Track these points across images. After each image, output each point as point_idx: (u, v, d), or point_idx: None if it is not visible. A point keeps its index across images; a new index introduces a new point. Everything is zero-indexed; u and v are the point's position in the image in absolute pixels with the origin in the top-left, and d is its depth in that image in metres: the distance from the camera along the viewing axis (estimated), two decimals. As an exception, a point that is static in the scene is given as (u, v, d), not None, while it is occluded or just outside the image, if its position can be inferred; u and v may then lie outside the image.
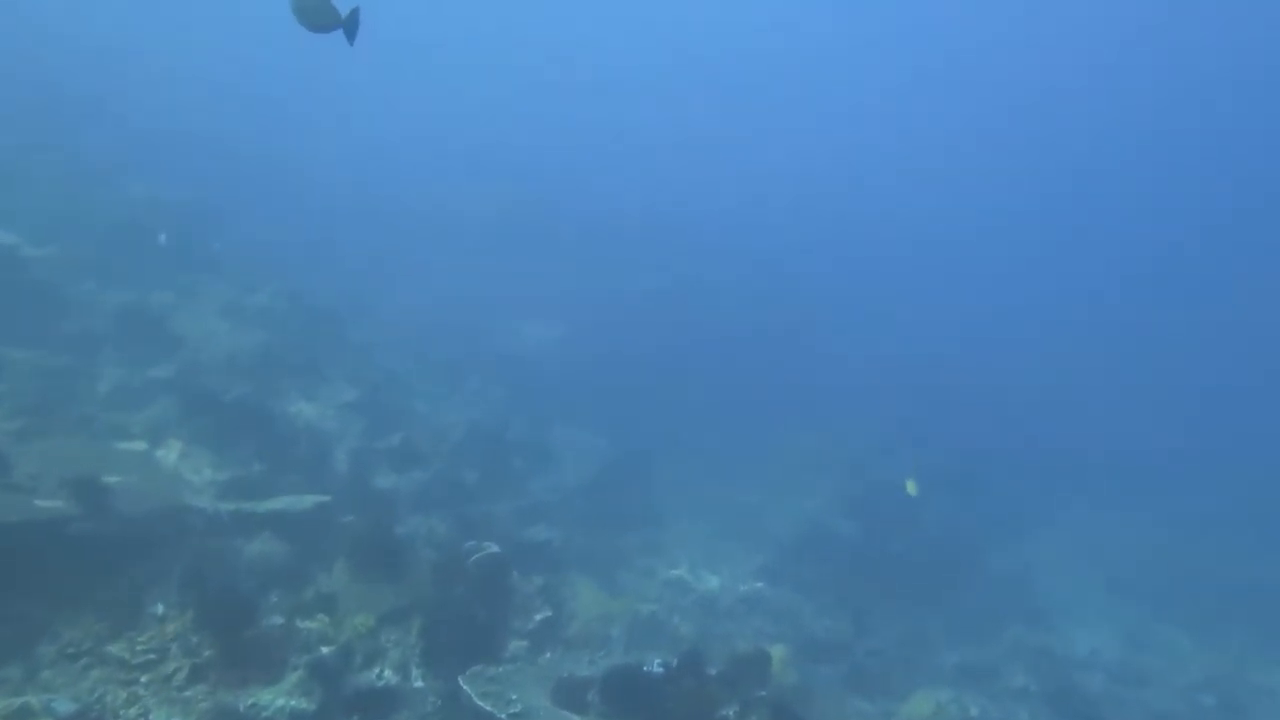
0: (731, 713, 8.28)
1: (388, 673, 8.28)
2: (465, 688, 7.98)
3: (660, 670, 8.51)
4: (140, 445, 11.09)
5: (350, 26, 6.78)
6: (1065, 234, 50.36)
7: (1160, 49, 47.00)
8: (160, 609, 8.11)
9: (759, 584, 16.20)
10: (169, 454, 11.05)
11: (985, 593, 18.15)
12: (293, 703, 7.47)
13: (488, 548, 9.91)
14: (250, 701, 7.39)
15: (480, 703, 7.80)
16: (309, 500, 10.76)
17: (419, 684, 8.34)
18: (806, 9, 55.11)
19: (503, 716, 7.68)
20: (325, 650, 8.21)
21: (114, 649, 7.62)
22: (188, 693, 7.43)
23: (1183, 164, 50.41)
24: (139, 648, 7.67)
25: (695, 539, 18.22)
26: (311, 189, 32.73)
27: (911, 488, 14.24)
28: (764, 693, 8.87)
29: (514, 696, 7.95)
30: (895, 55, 54.09)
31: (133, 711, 7.11)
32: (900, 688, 13.61)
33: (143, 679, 7.44)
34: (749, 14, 56.62)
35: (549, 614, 10.00)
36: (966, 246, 46.90)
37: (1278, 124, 46.49)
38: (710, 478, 21.92)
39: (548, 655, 9.51)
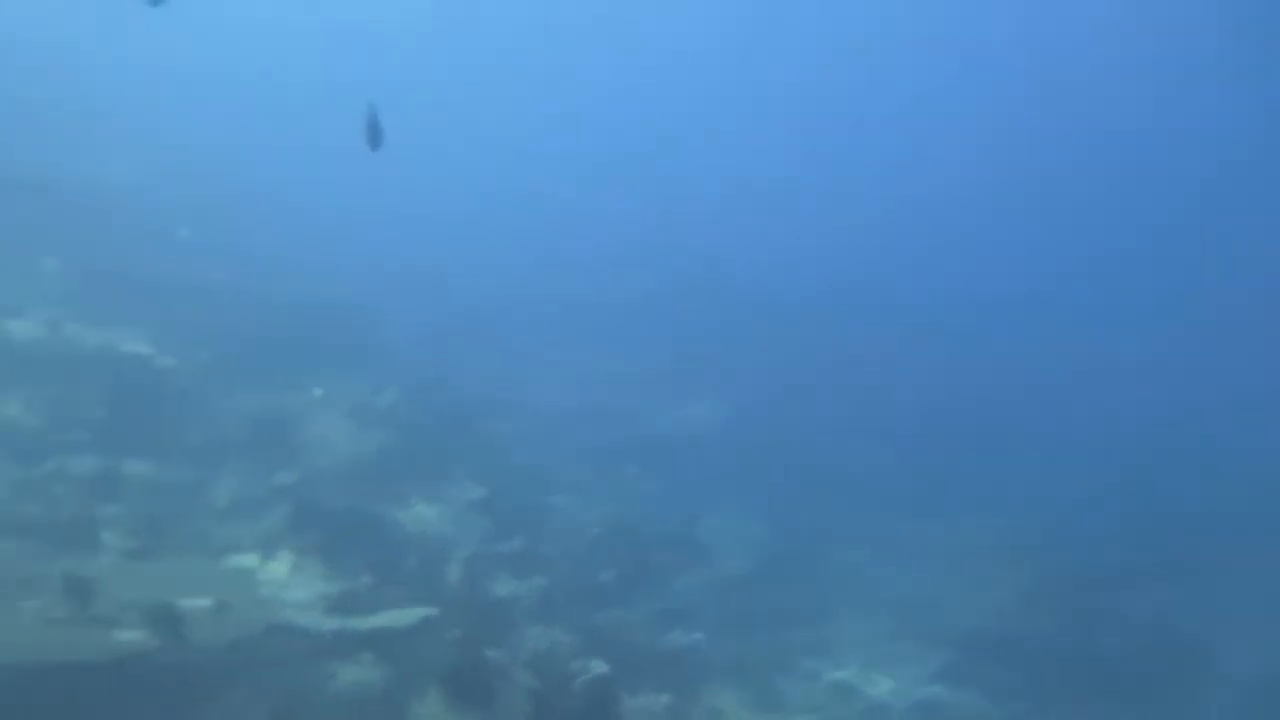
0: None
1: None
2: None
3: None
4: (252, 559, 10.72)
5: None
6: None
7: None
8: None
9: (937, 688, 14.41)
10: (280, 568, 10.60)
11: (1220, 698, 15.60)
12: None
13: (595, 669, 8.86)
14: None
15: None
16: (414, 615, 10.05)
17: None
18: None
19: None
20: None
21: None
22: None
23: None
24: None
25: (867, 637, 16.49)
26: (452, 281, 33.15)
27: None
28: None
29: None
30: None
31: None
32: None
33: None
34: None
35: (671, 741, 8.81)
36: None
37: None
38: (884, 567, 20.14)
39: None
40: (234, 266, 23.06)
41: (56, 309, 13.88)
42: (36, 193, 20.84)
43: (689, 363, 30.29)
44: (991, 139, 49.60)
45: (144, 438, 12.12)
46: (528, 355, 29.72)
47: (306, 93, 49.08)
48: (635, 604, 13.31)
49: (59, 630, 7.49)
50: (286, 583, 10.37)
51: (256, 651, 8.67)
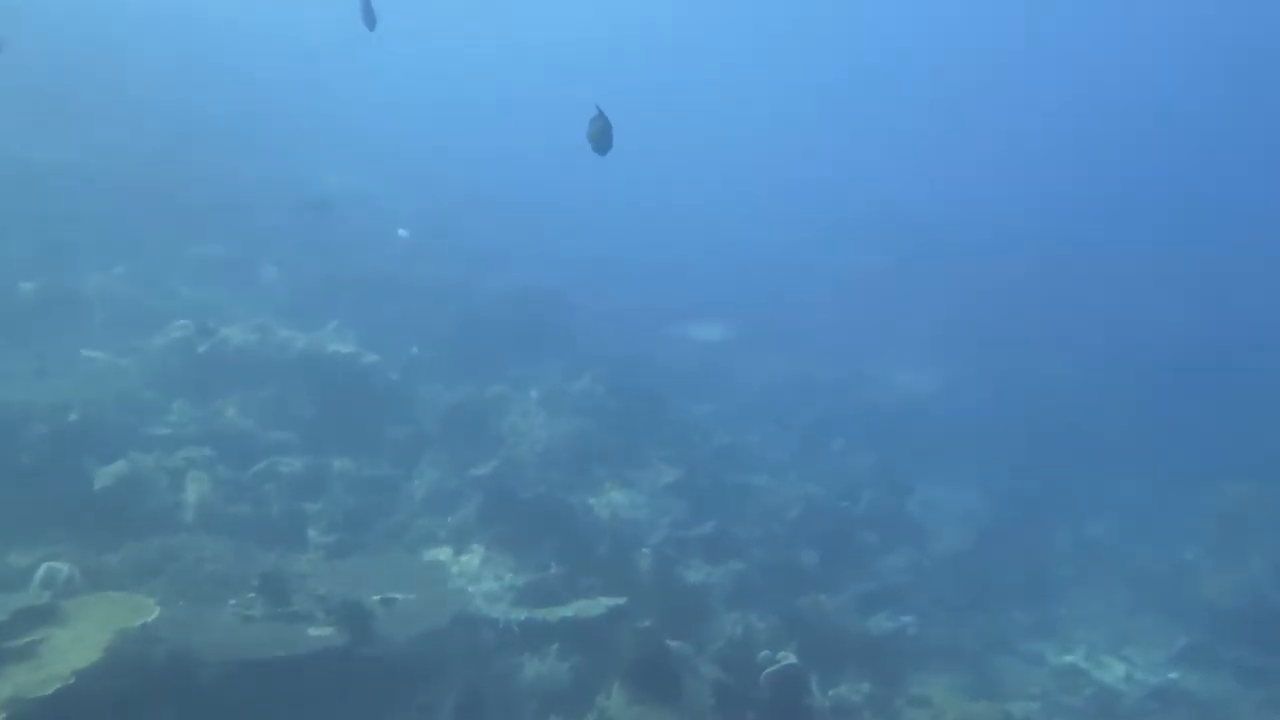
0: None
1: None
2: None
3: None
4: (445, 552, 10.95)
5: None
6: None
7: None
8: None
9: (1178, 672, 13.01)
10: (472, 560, 10.77)
11: None
12: None
13: (783, 659, 8.41)
14: None
15: None
16: (603, 605, 9.93)
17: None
18: None
19: None
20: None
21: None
22: None
23: None
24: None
25: (1101, 615, 15.11)
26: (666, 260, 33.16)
27: None
28: None
29: None
30: None
31: None
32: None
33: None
34: None
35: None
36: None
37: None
38: (1121, 538, 18.44)
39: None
40: (447, 263, 24.06)
41: (270, 314, 14.72)
42: (263, 202, 22.47)
43: (901, 330, 29.03)
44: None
45: (349, 436, 12.65)
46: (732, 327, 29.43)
47: (513, 105, 51.10)
48: (839, 587, 12.69)
49: (254, 628, 7.81)
50: (478, 575, 10.51)
51: (444, 645, 8.80)
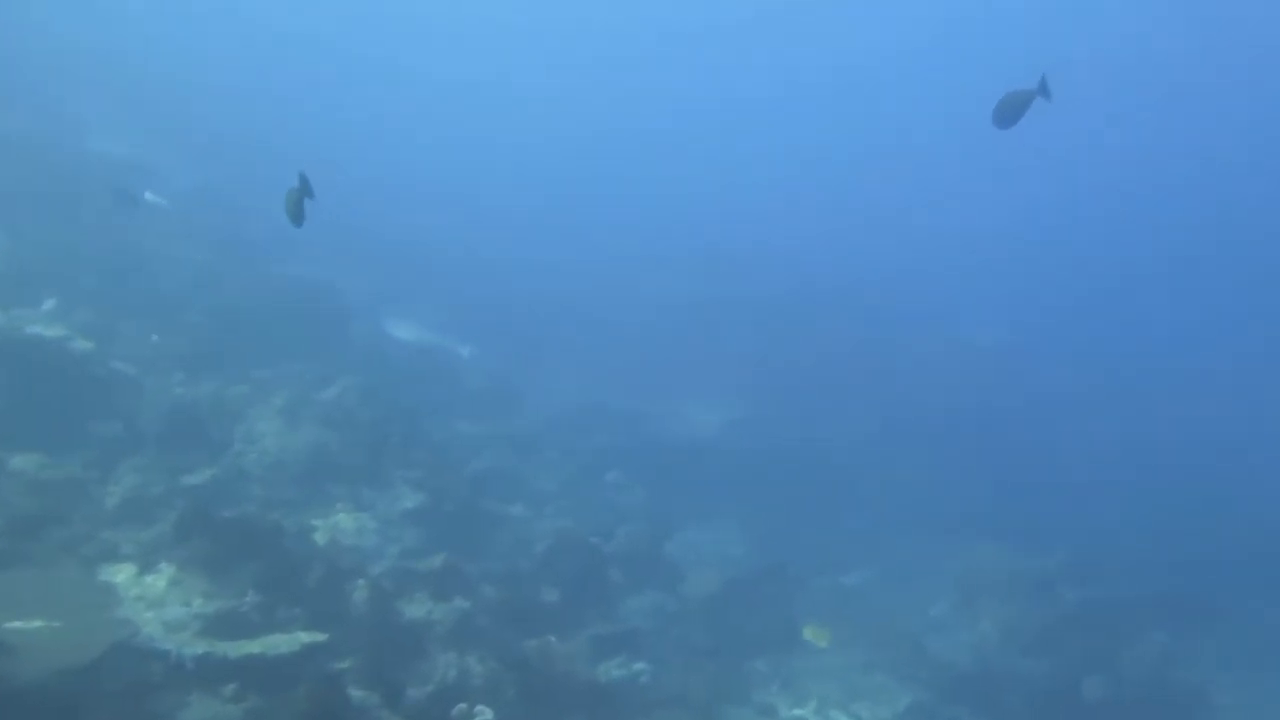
0: None
1: None
2: None
3: None
4: (127, 571, 9.72)
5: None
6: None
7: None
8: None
9: (896, 732, 13.21)
10: (158, 581, 9.58)
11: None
12: None
13: (479, 714, 7.76)
14: None
15: None
16: (299, 640, 9.01)
17: None
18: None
19: None
20: None
21: None
22: None
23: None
24: None
25: (837, 669, 15.25)
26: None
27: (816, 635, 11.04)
28: None
29: None
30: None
31: None
32: None
33: None
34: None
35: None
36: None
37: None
38: (876, 592, 18.80)
39: None
40: (216, 243, 22.22)
41: None
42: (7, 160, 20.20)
43: (706, 365, 28.99)
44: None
45: (40, 430, 11.17)
46: (533, 350, 28.67)
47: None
48: (574, 629, 12.15)
49: None
50: (162, 599, 9.34)
51: (96, 682, 7.68)
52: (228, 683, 8.25)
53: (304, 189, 6.92)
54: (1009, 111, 7.74)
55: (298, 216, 7.09)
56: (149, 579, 9.58)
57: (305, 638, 9.02)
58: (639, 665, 12.03)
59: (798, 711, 13.25)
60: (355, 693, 7.90)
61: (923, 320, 33.19)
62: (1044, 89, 7.54)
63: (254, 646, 8.77)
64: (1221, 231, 44.68)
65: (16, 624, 7.51)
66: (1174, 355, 34.48)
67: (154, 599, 9.31)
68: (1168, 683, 14.41)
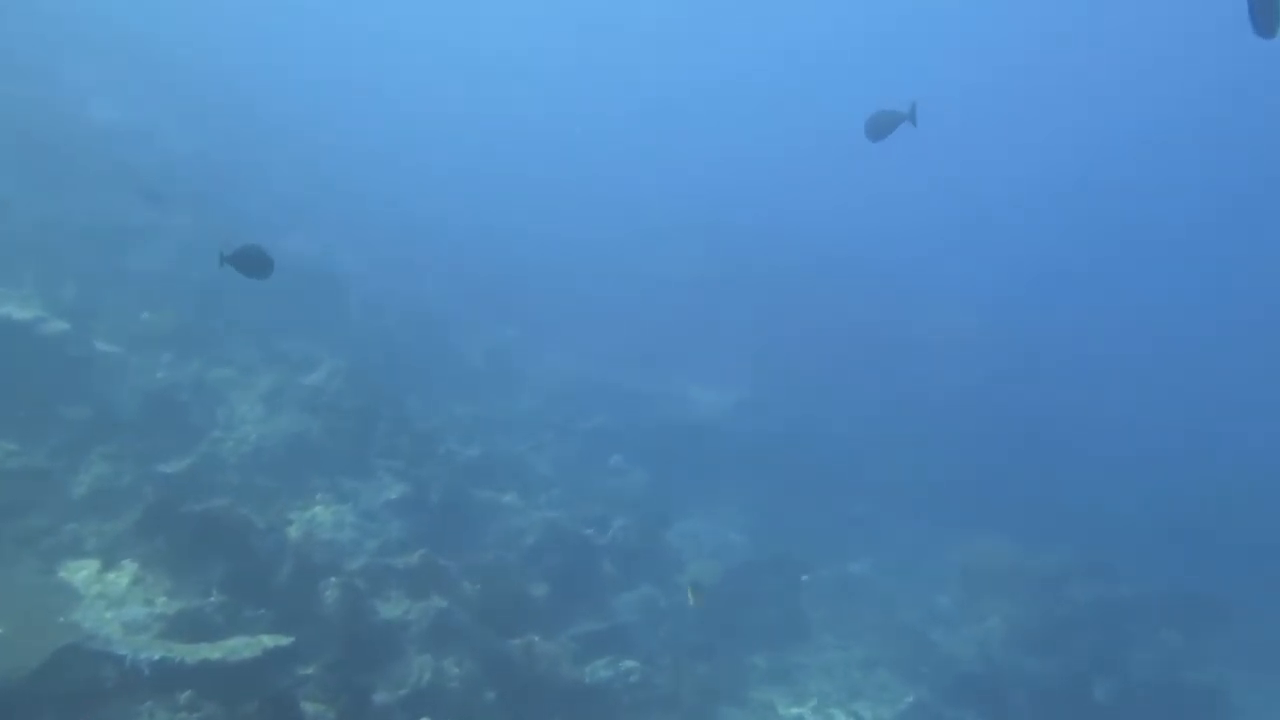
0: None
1: None
2: None
3: None
4: (90, 567, 9.32)
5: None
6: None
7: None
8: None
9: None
10: (120, 579, 9.18)
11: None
12: None
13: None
14: None
15: None
16: (263, 644, 8.58)
17: None
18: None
19: None
20: None
21: None
22: None
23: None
24: None
25: (840, 666, 14.81)
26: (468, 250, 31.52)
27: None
28: None
29: None
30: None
31: None
32: None
33: None
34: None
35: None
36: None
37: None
38: (880, 584, 18.30)
39: None
40: (213, 215, 21.71)
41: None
42: None
43: (714, 344, 28.39)
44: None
45: (4, 416, 10.76)
46: (534, 325, 28.12)
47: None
48: (562, 626, 11.73)
49: None
50: (123, 598, 8.94)
51: (41, 688, 7.29)
52: (183, 689, 7.83)
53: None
54: (878, 128, 8.46)
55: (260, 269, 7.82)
56: (111, 576, 9.18)
57: (269, 641, 8.58)
58: (628, 664, 11.57)
59: (796, 710, 12.83)
60: (310, 707, 7.44)
61: (930, 300, 32.61)
62: (913, 116, 8.29)
63: (214, 651, 8.35)
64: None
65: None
66: (1193, 352, 33.80)
67: (115, 598, 8.92)
68: (1181, 684, 13.93)
